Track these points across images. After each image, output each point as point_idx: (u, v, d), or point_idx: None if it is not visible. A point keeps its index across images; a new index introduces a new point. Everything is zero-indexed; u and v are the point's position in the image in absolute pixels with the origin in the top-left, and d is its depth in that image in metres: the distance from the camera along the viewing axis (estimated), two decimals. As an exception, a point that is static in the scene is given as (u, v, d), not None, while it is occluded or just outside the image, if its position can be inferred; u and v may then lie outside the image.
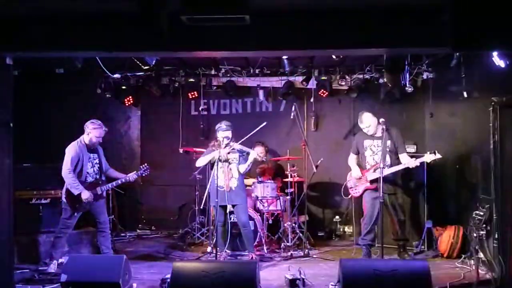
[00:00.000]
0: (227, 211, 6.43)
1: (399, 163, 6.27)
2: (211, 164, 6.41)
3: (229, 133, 6.33)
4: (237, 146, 6.28)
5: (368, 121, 6.36)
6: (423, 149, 7.68)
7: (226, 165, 6.33)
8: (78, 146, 6.01)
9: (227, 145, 6.30)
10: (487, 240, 5.69)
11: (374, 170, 6.21)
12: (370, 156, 6.39)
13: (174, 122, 8.98)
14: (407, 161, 6.20)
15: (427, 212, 7.09)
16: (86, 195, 5.91)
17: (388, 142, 6.26)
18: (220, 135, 6.35)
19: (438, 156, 6.10)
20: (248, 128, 6.39)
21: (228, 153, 6.29)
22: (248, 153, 6.31)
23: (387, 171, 6.09)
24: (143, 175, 6.42)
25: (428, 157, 6.12)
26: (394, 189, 6.36)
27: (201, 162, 6.46)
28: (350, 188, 6.59)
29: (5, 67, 5.10)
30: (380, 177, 5.80)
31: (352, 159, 6.63)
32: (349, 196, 6.62)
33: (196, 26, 4.60)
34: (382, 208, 5.88)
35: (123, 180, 6.28)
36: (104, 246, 6.19)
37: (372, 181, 6.29)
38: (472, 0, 4.50)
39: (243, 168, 6.36)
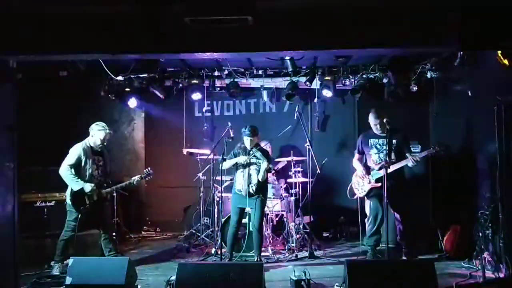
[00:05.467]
0: (244, 213, 6.48)
1: None
2: (234, 168, 6.45)
3: (252, 139, 6.34)
4: (258, 153, 6.30)
5: (378, 119, 6.33)
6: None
7: (246, 170, 6.35)
8: (83, 148, 6.02)
9: (250, 150, 6.33)
10: (493, 239, 5.66)
11: (379, 169, 6.19)
12: (376, 154, 6.35)
13: (178, 124, 8.99)
14: (409, 158, 6.15)
15: (432, 212, 7.05)
16: (88, 188, 5.93)
17: (394, 141, 6.24)
18: (244, 140, 6.40)
19: (437, 149, 6.05)
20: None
21: (251, 157, 6.33)
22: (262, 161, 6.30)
23: (391, 169, 6.08)
24: (146, 178, 6.45)
25: (430, 151, 6.09)
26: (399, 188, 6.32)
27: (226, 165, 6.47)
28: (356, 188, 6.57)
29: (9, 70, 5.11)
30: (384, 176, 5.78)
31: (356, 159, 6.62)
32: (355, 197, 6.60)
33: (199, 28, 4.60)
34: (387, 208, 5.85)
35: (127, 183, 6.30)
36: (109, 248, 6.20)
37: (377, 181, 6.26)
38: (477, 1, 4.50)
39: (260, 177, 6.32)
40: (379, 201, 6.19)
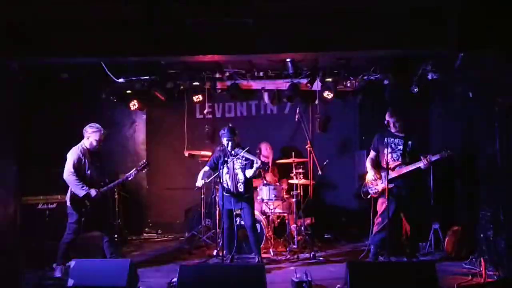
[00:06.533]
0: (234, 214, 6.43)
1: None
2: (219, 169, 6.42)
3: (232, 140, 6.30)
4: (242, 153, 6.27)
5: (392, 117, 6.36)
6: (428, 150, 7.63)
7: (231, 170, 6.33)
8: (80, 150, 6.01)
9: (232, 151, 6.31)
10: (494, 240, 5.66)
11: (392, 169, 6.20)
12: (389, 154, 6.33)
13: (179, 126, 8.99)
14: (422, 160, 6.15)
15: (434, 213, 7.05)
16: (93, 192, 5.93)
17: (409, 143, 6.26)
18: (224, 141, 6.36)
19: (450, 152, 6.06)
20: (253, 131, 6.39)
21: (237, 158, 6.30)
22: (253, 161, 6.27)
23: (404, 169, 6.14)
24: (143, 171, 6.40)
25: (442, 155, 6.10)
26: (411, 189, 6.32)
27: (199, 180, 6.45)
28: (370, 188, 6.55)
29: (11, 73, 5.13)
30: (386, 177, 5.77)
31: (370, 158, 6.61)
32: (369, 196, 6.59)
33: (199, 30, 4.62)
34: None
35: (124, 179, 6.27)
36: (110, 250, 6.19)
37: (390, 181, 6.24)
38: (476, 2, 4.51)
39: (250, 173, 6.32)
40: (390, 200, 6.18)
